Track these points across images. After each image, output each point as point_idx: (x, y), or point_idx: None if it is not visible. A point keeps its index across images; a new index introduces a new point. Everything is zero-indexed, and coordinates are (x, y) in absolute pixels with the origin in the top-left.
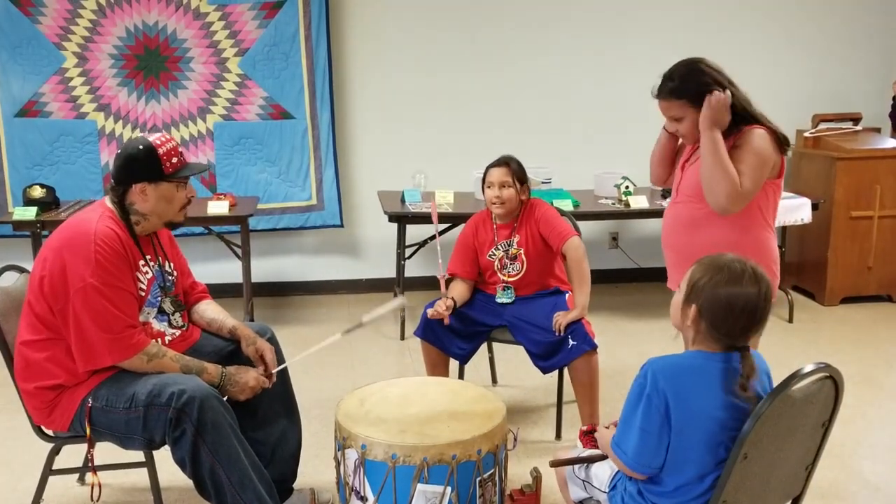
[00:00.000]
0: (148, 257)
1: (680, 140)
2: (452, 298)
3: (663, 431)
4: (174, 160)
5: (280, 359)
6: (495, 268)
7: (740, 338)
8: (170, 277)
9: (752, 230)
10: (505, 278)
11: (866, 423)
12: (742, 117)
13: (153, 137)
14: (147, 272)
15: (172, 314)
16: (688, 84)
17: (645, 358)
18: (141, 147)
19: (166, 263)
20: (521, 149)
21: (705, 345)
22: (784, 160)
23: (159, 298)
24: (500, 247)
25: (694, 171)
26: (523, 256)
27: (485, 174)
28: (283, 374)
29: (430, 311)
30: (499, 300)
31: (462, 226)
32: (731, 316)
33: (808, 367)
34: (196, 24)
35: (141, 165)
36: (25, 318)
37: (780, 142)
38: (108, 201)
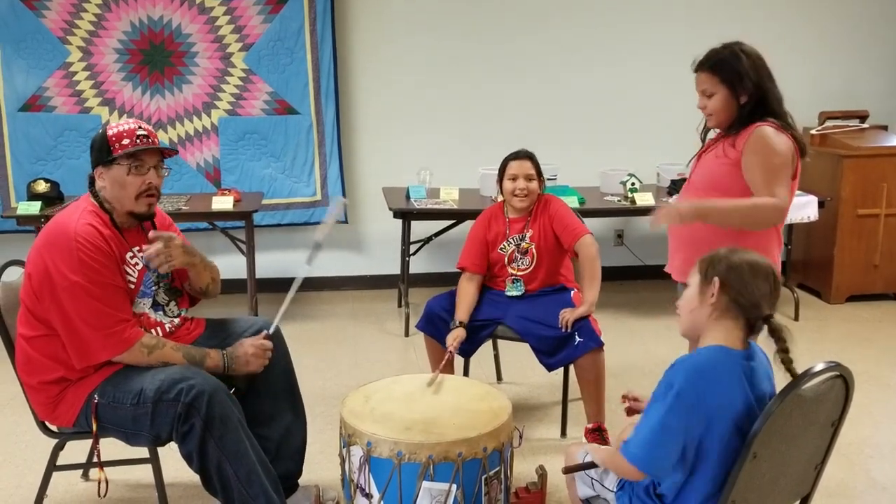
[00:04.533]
0: (136, 249)
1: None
2: (461, 323)
3: (681, 431)
4: (125, 141)
5: (283, 348)
6: (505, 261)
7: (764, 305)
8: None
9: None
10: (514, 272)
11: (873, 422)
12: (764, 111)
13: (113, 122)
14: (137, 263)
15: (167, 304)
16: (726, 63)
17: (650, 355)
18: (99, 132)
19: None
20: (527, 145)
21: (724, 329)
22: (799, 163)
23: (153, 289)
24: (511, 241)
25: (707, 161)
26: (534, 251)
27: (504, 167)
28: (288, 371)
29: (448, 345)
30: (508, 293)
31: (468, 222)
32: (755, 279)
33: (819, 366)
34: (201, 18)
35: (95, 149)
36: (22, 313)
37: (799, 145)
38: (91, 195)
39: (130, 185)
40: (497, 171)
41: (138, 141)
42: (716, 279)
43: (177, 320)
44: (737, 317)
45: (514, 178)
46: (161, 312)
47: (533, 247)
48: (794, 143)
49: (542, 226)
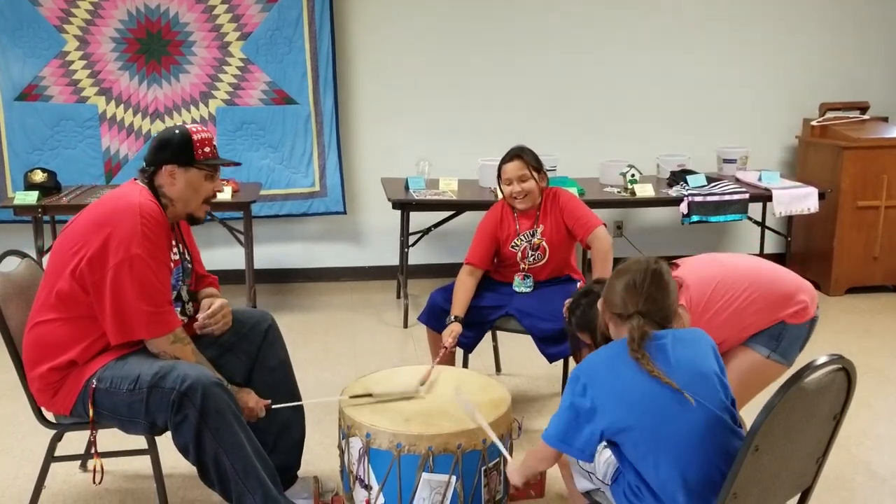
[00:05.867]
0: (173, 241)
1: None
2: (456, 318)
3: (592, 410)
4: (206, 149)
5: (280, 340)
6: (518, 258)
7: (629, 306)
8: (188, 266)
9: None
10: (526, 267)
11: (872, 415)
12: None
13: (191, 125)
14: (175, 254)
15: (186, 303)
16: (581, 321)
17: None
18: (177, 131)
19: (185, 251)
20: (527, 136)
21: (620, 331)
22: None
23: (180, 284)
24: (523, 237)
25: None
26: (545, 246)
27: (499, 170)
28: (286, 363)
29: (444, 340)
30: (517, 289)
31: (467, 213)
32: (618, 280)
33: (822, 359)
34: (198, 7)
35: (174, 148)
36: (42, 298)
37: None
38: (139, 182)
39: (204, 190)
40: (497, 165)
41: (215, 151)
42: (600, 301)
43: (185, 320)
44: (622, 324)
45: (510, 182)
46: (179, 310)
47: (544, 242)
48: None
49: (554, 220)
